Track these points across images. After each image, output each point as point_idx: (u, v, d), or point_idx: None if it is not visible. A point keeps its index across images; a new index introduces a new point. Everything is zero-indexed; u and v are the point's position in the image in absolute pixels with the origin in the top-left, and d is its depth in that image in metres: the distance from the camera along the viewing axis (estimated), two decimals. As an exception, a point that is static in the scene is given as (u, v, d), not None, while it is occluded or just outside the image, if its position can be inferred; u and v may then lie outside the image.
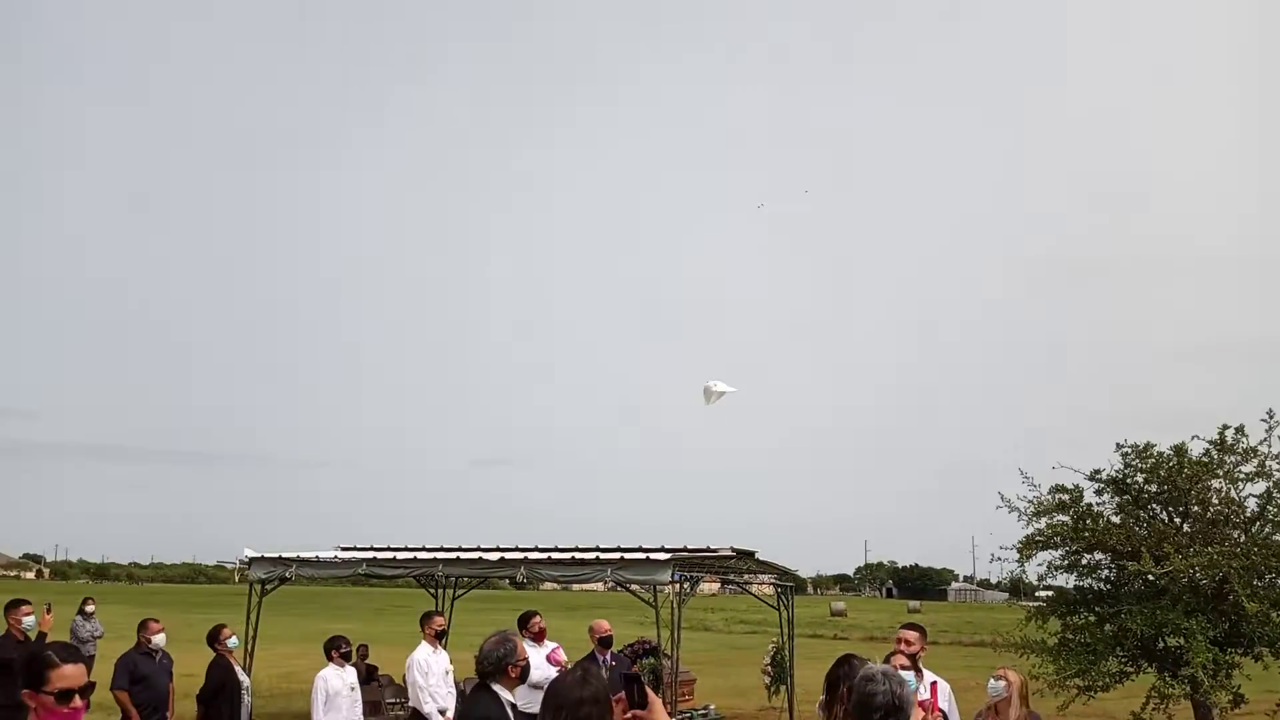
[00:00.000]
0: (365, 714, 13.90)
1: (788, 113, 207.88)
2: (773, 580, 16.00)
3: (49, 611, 9.12)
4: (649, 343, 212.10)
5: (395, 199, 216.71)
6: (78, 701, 3.11)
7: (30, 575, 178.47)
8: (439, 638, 10.05)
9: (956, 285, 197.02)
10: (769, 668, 15.83)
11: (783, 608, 15.76)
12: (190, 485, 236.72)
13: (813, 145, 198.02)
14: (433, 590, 18.11)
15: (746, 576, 15.83)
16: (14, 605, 8.75)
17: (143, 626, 9.28)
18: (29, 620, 8.61)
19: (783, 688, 15.52)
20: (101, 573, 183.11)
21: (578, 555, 13.30)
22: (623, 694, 3.36)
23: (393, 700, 15.12)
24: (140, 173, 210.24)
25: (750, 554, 13.58)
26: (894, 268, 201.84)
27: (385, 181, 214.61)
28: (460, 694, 13.97)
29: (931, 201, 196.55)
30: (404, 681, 15.96)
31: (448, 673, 9.98)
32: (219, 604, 75.84)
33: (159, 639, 9.23)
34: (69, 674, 3.10)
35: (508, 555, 13.89)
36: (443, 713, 9.62)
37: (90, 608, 16.58)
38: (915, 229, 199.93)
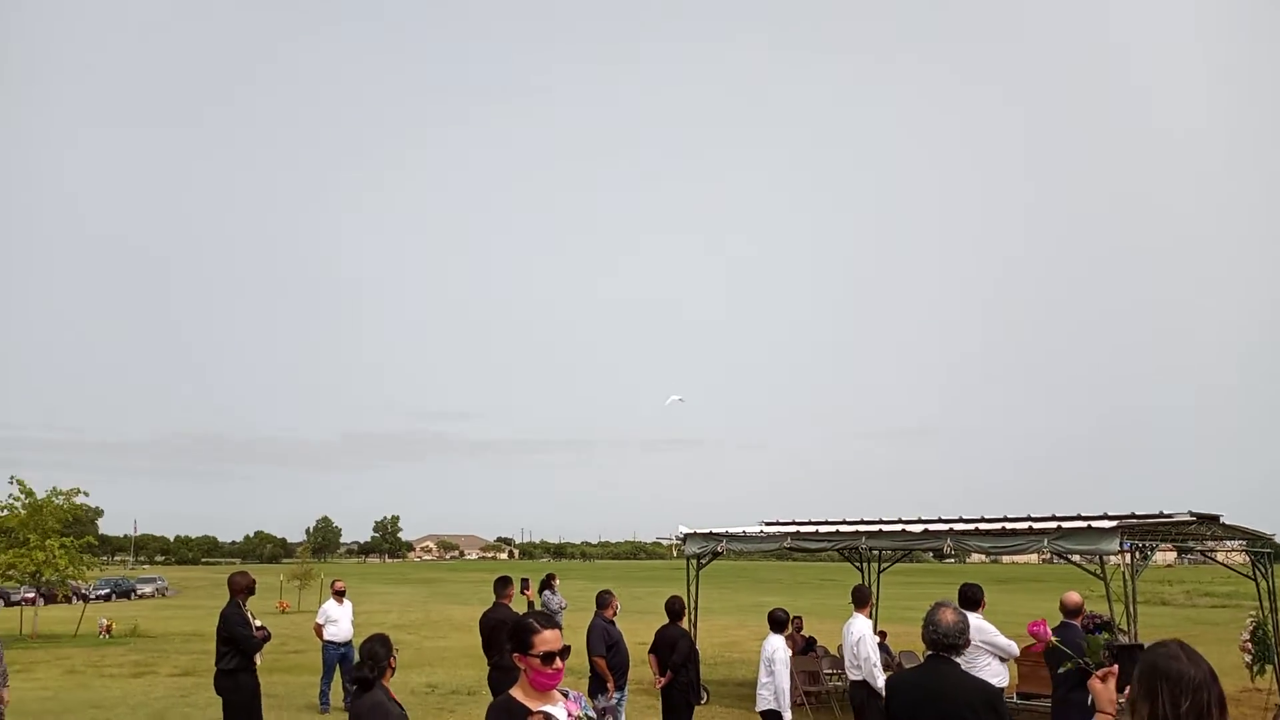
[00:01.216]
0: (803, 683, 14.33)
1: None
2: (1244, 547, 14.11)
3: (526, 588, 10.40)
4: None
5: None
6: (558, 663, 3.46)
7: (503, 555, 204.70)
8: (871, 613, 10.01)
9: None
10: (1249, 644, 14.03)
11: (1260, 577, 13.85)
12: (630, 468, 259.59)
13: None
14: (857, 564, 18.16)
15: (1210, 544, 14.09)
16: (504, 583, 10.06)
17: (606, 600, 10.23)
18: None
19: (1269, 667, 13.71)
20: (559, 551, 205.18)
21: (1008, 525, 12.64)
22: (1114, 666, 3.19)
23: (830, 671, 15.38)
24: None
25: (1213, 518, 12.07)
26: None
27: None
28: (894, 665, 13.87)
29: None
30: (839, 653, 16.20)
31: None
32: (658, 578, 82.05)
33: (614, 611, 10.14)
34: (549, 639, 3.46)
35: (931, 526, 13.51)
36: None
37: (556, 582, 18.59)
38: None
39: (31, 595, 29.67)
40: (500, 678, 9.54)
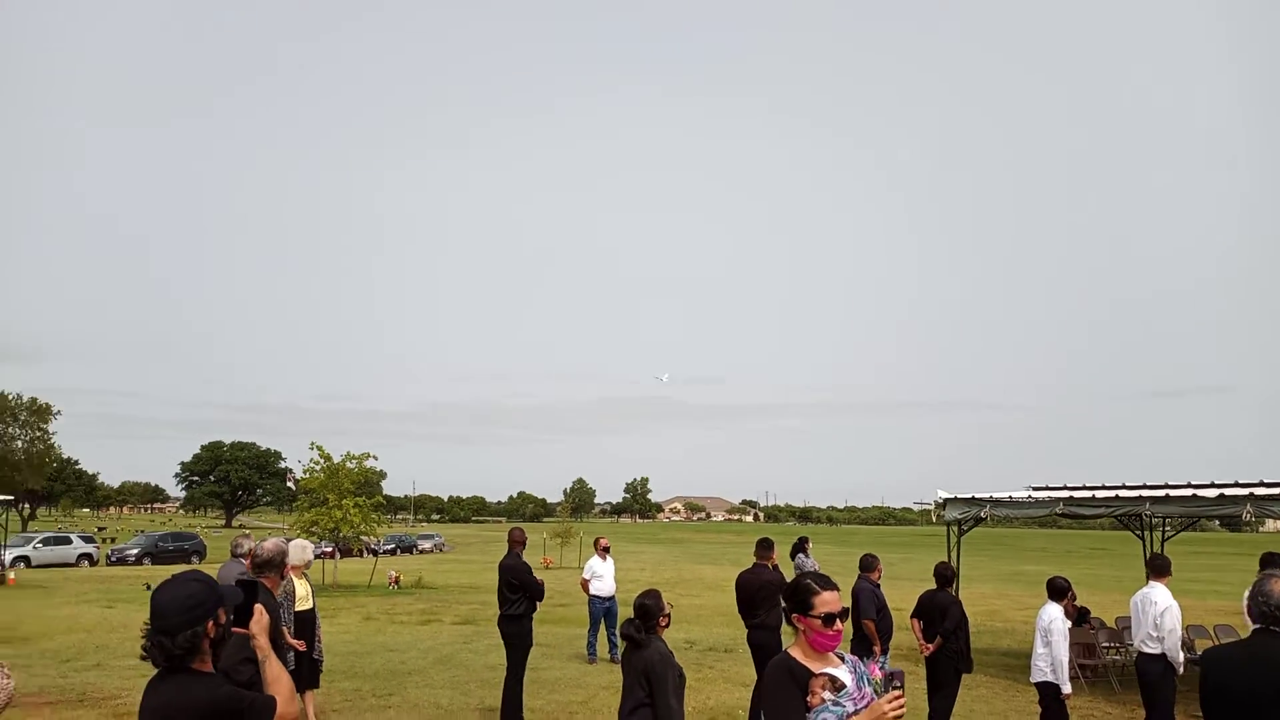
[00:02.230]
0: (1079, 656, 13.52)
1: None
2: None
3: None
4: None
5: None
6: (839, 625, 3.46)
7: (748, 518, 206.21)
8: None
9: None
10: None
11: None
12: (877, 432, 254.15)
13: None
14: (1138, 532, 16.84)
15: None
16: (767, 545, 10.15)
17: (872, 564, 10.07)
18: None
19: None
20: (804, 515, 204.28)
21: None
22: None
23: (1107, 644, 14.44)
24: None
25: None
26: None
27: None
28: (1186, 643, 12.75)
29: None
30: (1116, 624, 15.15)
31: None
32: (909, 544, 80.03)
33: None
34: (829, 600, 3.47)
35: (1228, 491, 12.29)
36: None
37: (809, 546, 18.46)
38: None
39: (330, 549, 32.94)
40: (762, 637, 9.63)
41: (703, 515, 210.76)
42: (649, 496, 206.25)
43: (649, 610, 5.58)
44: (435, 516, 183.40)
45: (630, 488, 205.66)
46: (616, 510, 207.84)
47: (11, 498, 38.93)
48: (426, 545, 69.76)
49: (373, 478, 33.78)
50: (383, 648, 15.97)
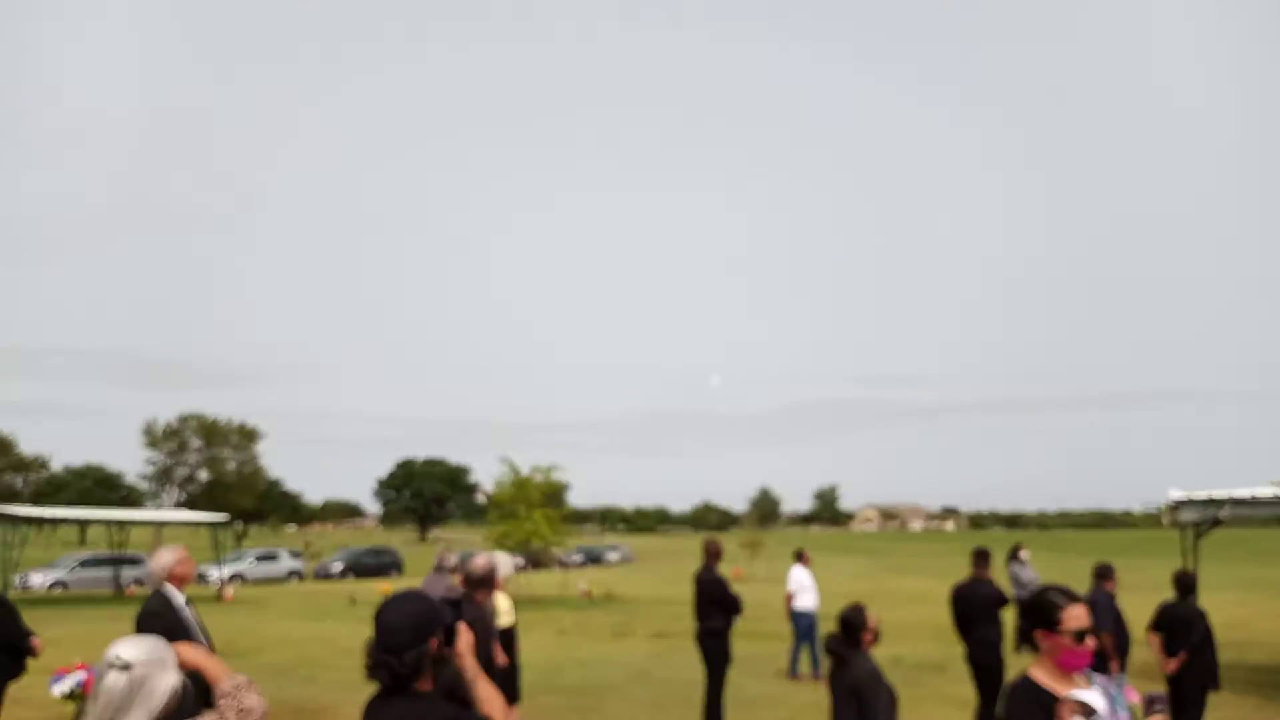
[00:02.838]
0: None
1: None
2: None
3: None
4: None
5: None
6: (1089, 641, 3.17)
7: (949, 526, 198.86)
8: None
9: None
10: None
11: None
12: (1090, 430, 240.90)
13: None
14: None
15: None
16: (983, 555, 9.30)
17: (1109, 572, 9.17)
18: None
19: None
20: (1012, 521, 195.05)
21: None
22: None
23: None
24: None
25: None
26: None
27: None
28: None
29: None
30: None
31: None
32: (1132, 550, 74.76)
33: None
34: (1078, 614, 3.21)
35: None
36: None
37: (1024, 554, 17.19)
38: None
39: (522, 562, 33.59)
40: (982, 655, 8.85)
41: (898, 523, 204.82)
42: (839, 504, 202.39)
43: (854, 624, 5.26)
44: (620, 527, 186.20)
45: (819, 495, 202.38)
46: (805, 519, 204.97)
47: (226, 517, 41.76)
48: (614, 557, 70.58)
49: (559, 490, 34.27)
50: (578, 662, 15.88)
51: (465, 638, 3.01)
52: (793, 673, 14.06)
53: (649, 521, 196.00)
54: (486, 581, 6.32)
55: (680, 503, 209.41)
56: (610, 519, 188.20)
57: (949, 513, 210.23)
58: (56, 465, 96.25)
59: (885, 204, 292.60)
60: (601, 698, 12.34)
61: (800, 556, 14.97)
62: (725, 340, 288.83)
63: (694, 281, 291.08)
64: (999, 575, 10.93)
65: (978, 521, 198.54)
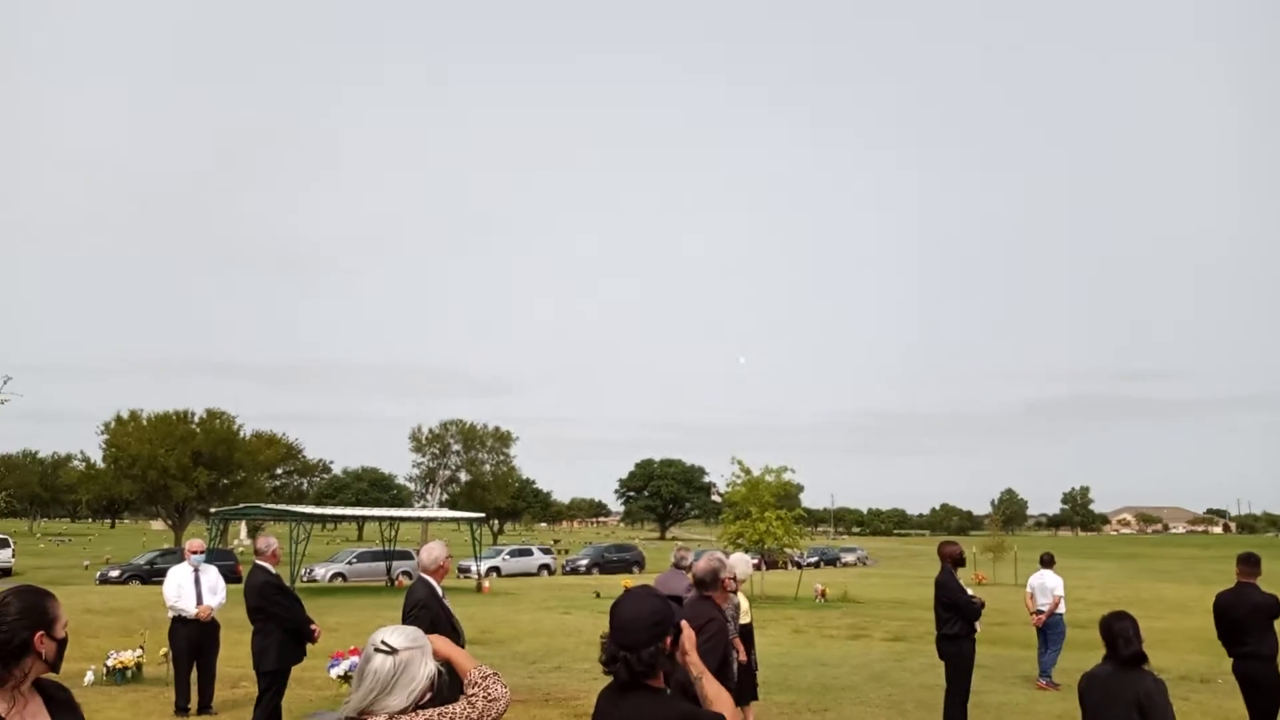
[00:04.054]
0: None
1: None
2: None
3: None
4: None
5: None
6: None
7: (1216, 529, 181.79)
8: None
9: None
10: None
11: None
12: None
13: None
14: None
15: None
16: (1250, 560, 8.64)
17: None
18: None
19: None
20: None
21: None
22: None
23: None
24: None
25: None
26: None
27: None
28: None
29: None
30: None
31: None
32: None
33: None
34: None
35: None
36: None
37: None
38: None
39: (757, 561, 33.80)
40: (1254, 669, 8.22)
41: (1158, 527, 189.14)
42: (1091, 507, 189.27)
43: (1126, 634, 4.96)
44: (855, 530, 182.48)
45: (1068, 498, 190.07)
46: (1053, 523, 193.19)
47: (483, 515, 44.52)
48: (849, 558, 69.48)
49: (791, 490, 34.22)
50: (814, 661, 15.93)
51: (688, 635, 3.06)
52: (1043, 679, 13.52)
53: (885, 524, 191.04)
54: (709, 582, 6.30)
55: (918, 505, 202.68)
56: (845, 521, 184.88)
57: (1215, 515, 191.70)
58: (337, 469, 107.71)
59: (1143, 190, 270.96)
60: (838, 697, 12.36)
61: (1046, 560, 14.38)
62: (959, 338, 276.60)
63: (928, 278, 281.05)
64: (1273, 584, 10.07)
65: (1248, 525, 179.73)
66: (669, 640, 2.90)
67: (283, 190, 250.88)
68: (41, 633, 2.67)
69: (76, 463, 75.76)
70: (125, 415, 63.49)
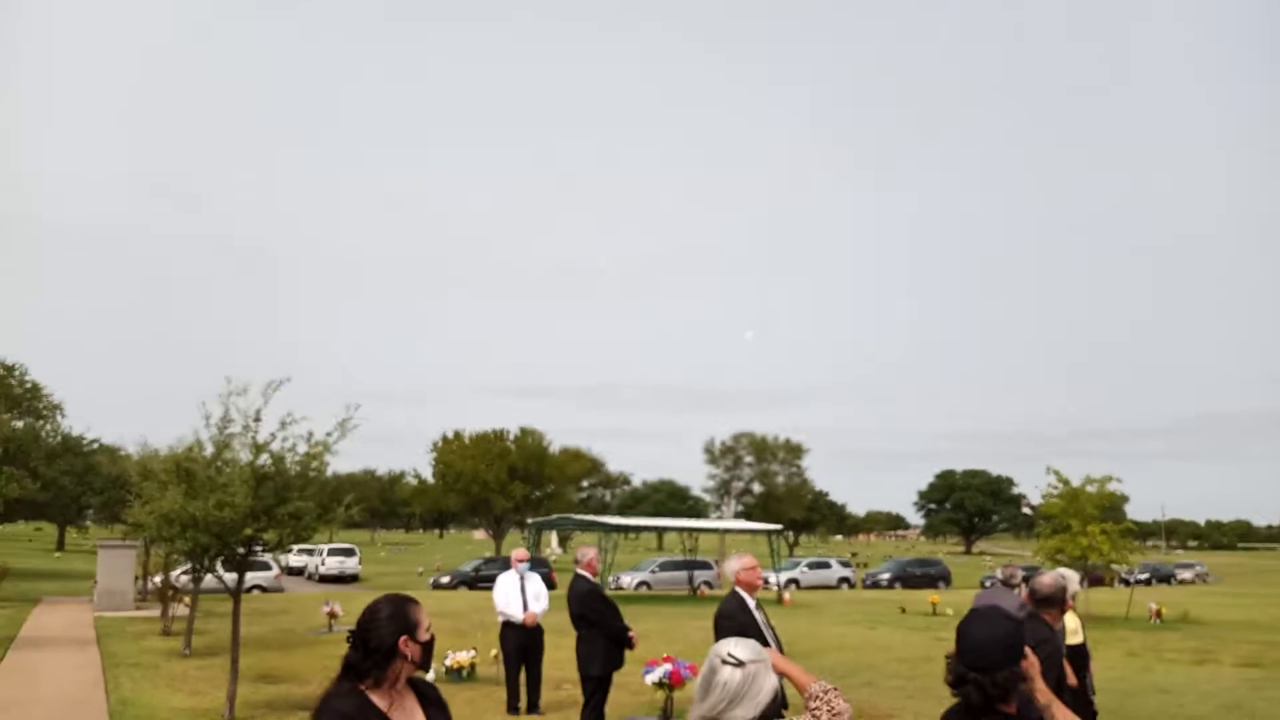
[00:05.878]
0: None
1: None
2: None
3: None
4: None
5: None
6: None
7: None
8: None
9: None
10: None
11: None
12: None
13: None
14: None
15: None
16: None
17: None
18: None
19: None
20: None
21: None
22: None
23: None
24: None
25: None
26: None
27: None
28: None
29: None
30: None
31: None
32: None
33: None
34: None
35: None
36: None
37: None
38: None
39: (1081, 578, 31.36)
40: None
41: None
42: None
43: None
44: (1191, 543, 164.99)
45: None
46: None
47: (779, 526, 44.46)
48: (1186, 575, 62.93)
49: (1116, 501, 31.38)
50: (1154, 688, 14.51)
51: (1032, 661, 2.92)
52: None
53: (1227, 537, 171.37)
54: (1054, 600, 5.99)
55: (1265, 516, 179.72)
56: (1179, 534, 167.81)
57: None
58: (636, 481, 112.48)
59: None
60: (1188, 730, 11.16)
61: None
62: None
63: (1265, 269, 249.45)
64: None
65: None
66: (1025, 664, 2.77)
67: (585, 222, 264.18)
68: (405, 636, 2.93)
69: (409, 479, 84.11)
70: (450, 435, 69.53)
